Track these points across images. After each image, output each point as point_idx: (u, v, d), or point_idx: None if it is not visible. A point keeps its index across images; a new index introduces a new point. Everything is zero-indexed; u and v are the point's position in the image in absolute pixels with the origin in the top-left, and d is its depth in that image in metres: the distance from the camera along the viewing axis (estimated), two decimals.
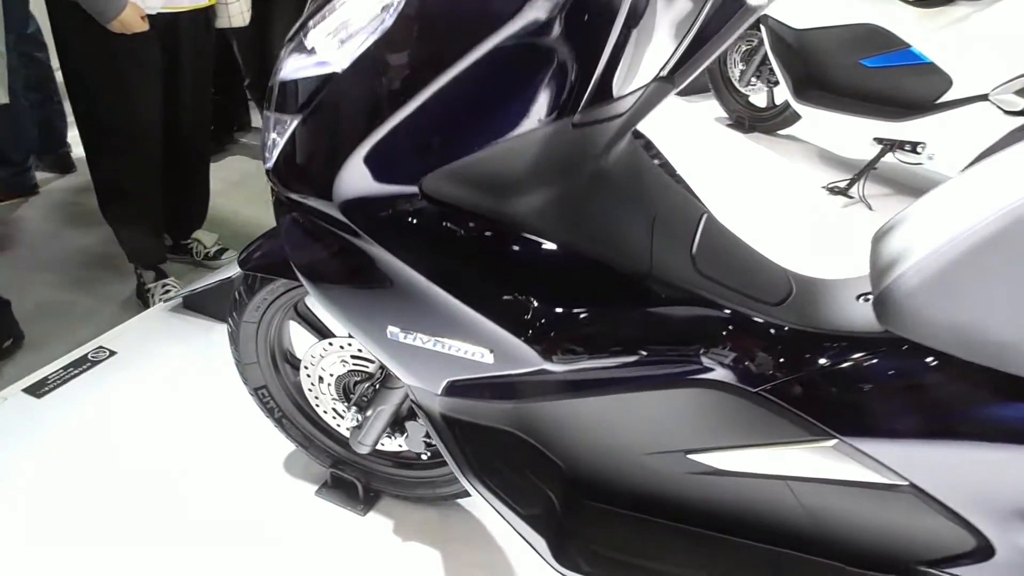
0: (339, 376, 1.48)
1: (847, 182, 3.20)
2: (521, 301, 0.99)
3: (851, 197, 3.17)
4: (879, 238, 1.07)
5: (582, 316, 1.00)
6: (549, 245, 0.99)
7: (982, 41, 2.64)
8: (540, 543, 1.13)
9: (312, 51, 0.95)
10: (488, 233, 0.98)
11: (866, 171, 3.16)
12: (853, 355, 1.01)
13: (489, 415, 1.16)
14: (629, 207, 1.06)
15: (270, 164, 1.07)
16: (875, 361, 1.00)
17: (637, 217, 1.06)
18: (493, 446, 1.17)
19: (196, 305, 2.38)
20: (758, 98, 3.96)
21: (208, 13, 2.40)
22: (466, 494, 1.57)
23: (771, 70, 3.60)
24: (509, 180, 0.95)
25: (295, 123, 0.99)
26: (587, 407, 1.13)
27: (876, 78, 3.04)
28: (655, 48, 0.89)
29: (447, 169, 0.93)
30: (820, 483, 1.06)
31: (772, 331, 1.04)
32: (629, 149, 1.08)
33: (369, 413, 1.40)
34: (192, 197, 2.73)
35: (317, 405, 1.56)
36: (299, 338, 1.60)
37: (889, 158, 3.12)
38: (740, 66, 3.88)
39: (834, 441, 1.02)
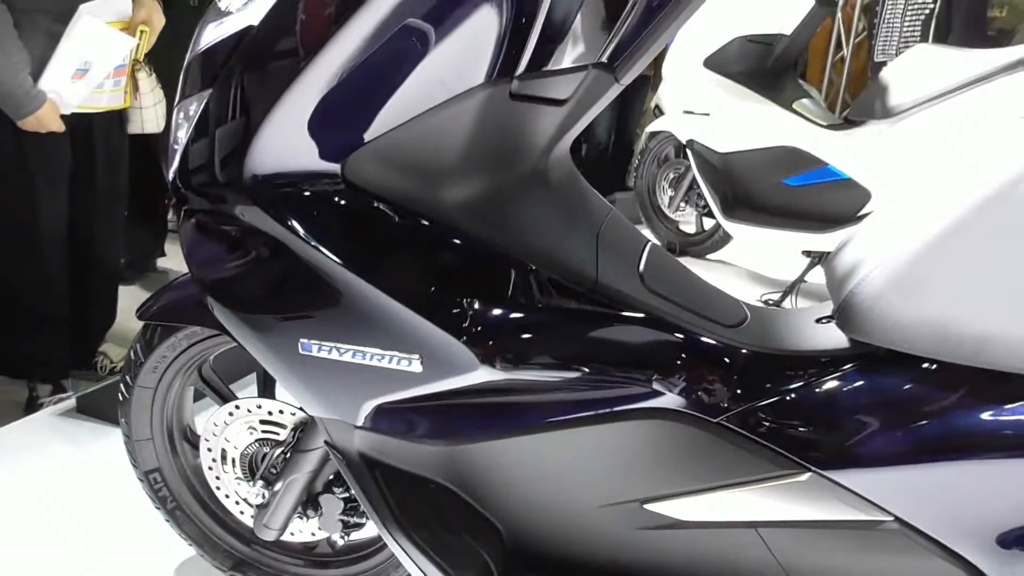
0: (245, 448, 1.29)
1: (780, 294, 3.25)
2: (453, 299, 0.87)
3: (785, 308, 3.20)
4: (831, 260, 1.02)
5: (522, 320, 0.89)
6: (484, 243, 0.90)
7: (892, 155, 2.79)
8: None
9: (226, 12, 0.88)
10: (417, 226, 0.88)
11: (797, 283, 3.22)
12: (820, 377, 0.92)
13: (417, 460, 1.00)
14: (571, 216, 0.98)
15: (172, 171, 0.97)
16: (845, 381, 0.91)
17: (580, 228, 0.98)
18: (422, 498, 1.00)
19: (92, 409, 2.14)
20: (688, 224, 4.08)
21: (121, 116, 2.32)
22: None
23: (699, 195, 3.74)
24: (442, 164, 0.86)
25: (204, 100, 0.90)
26: (528, 449, 0.99)
27: (799, 195, 3.17)
28: (595, 27, 0.86)
29: (372, 148, 0.85)
30: (794, 527, 0.93)
31: (730, 354, 0.94)
32: (568, 166, 1.02)
33: (278, 487, 1.21)
34: (98, 310, 2.51)
35: (218, 488, 1.35)
36: (203, 417, 1.42)
37: (818, 270, 3.19)
38: (669, 192, 4.02)
39: (807, 475, 0.91)
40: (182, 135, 0.95)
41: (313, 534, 1.31)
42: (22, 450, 1.95)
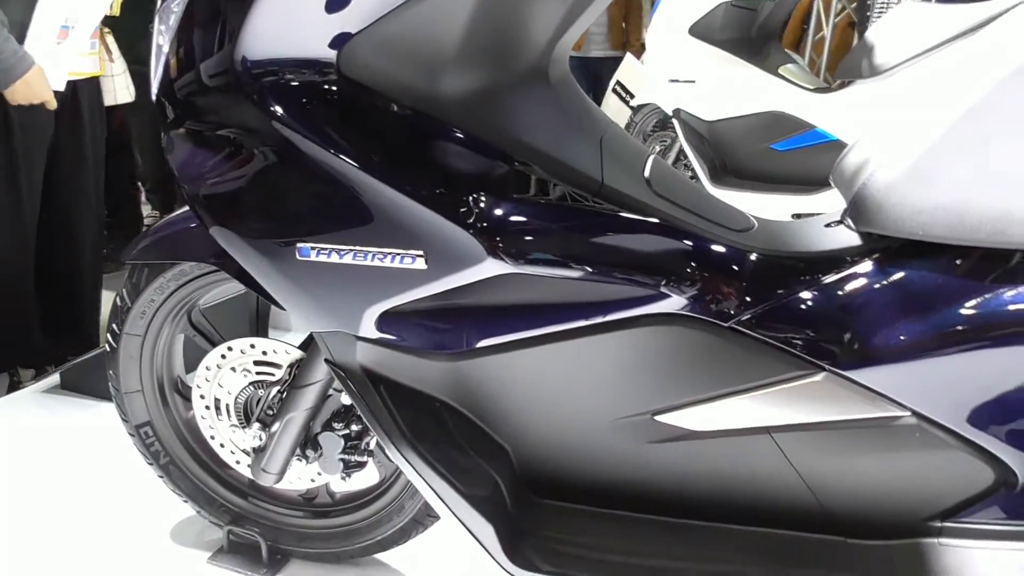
0: (239, 393, 1.25)
1: None
2: (458, 191, 0.84)
3: None
4: (839, 164, 1.00)
5: (529, 216, 0.86)
6: (486, 140, 0.86)
7: (880, 110, 2.79)
8: (488, 534, 0.91)
9: None
10: (418, 119, 0.85)
11: None
12: (832, 275, 0.90)
13: (423, 376, 0.96)
14: (572, 120, 0.96)
15: (156, 85, 0.93)
16: (857, 278, 0.89)
17: (582, 133, 0.96)
18: (428, 416, 0.97)
19: (75, 384, 2.08)
20: None
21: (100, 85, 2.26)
22: (392, 544, 1.32)
23: (687, 165, 3.72)
24: (441, 54, 0.83)
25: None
26: (535, 363, 0.96)
27: (787, 159, 3.16)
28: None
29: (368, 37, 0.81)
30: (809, 429, 0.90)
31: (740, 258, 0.92)
32: (566, 72, 0.99)
33: (275, 427, 1.17)
34: (87, 287, 2.43)
35: (212, 439, 1.31)
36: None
37: None
38: None
39: (821, 375, 0.89)
40: (164, 43, 0.91)
41: (313, 480, 1.28)
42: (4, 427, 1.90)
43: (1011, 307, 0.81)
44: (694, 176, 3.70)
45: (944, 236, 0.82)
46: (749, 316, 0.89)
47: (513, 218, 0.86)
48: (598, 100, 5.03)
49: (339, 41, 0.83)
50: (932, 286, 0.85)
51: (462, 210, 0.84)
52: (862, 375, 0.86)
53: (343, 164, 0.84)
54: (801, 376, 0.89)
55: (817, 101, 3.08)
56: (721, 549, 0.96)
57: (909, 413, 0.86)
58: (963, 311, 0.82)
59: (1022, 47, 0.84)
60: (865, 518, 0.92)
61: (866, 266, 0.88)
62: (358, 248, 0.86)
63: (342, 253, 0.87)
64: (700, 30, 3.32)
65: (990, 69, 0.83)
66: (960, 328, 0.82)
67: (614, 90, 4.46)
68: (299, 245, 0.88)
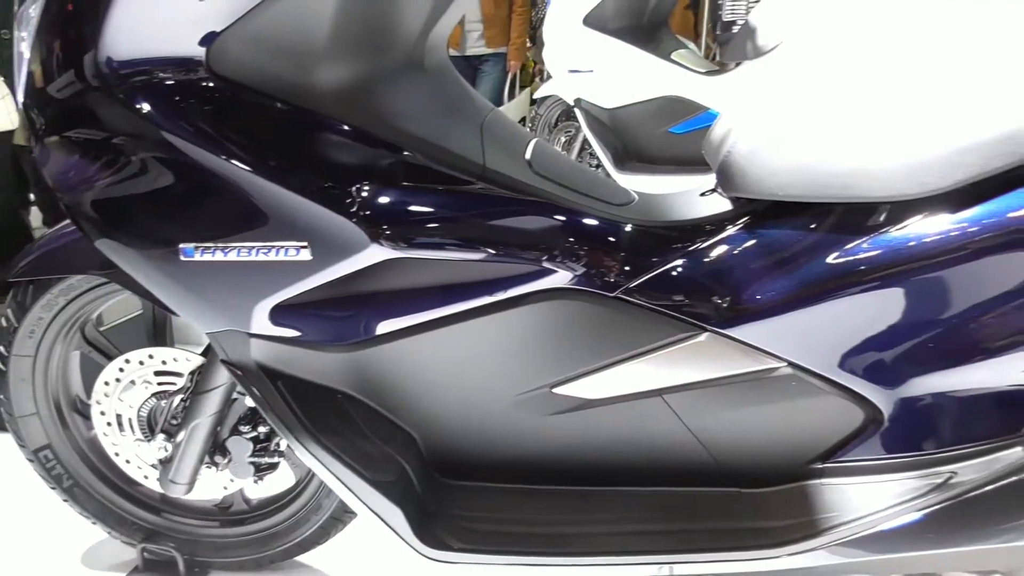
0: (142, 405, 1.22)
1: None
2: (339, 181, 0.86)
3: None
4: (707, 137, 1.06)
5: (410, 201, 0.88)
6: (364, 130, 0.88)
7: (758, 86, 2.92)
8: (398, 518, 0.93)
9: None
10: (294, 113, 0.86)
11: None
12: (707, 240, 0.95)
13: (321, 369, 0.97)
14: (452, 107, 0.98)
15: (21, 95, 0.90)
16: (729, 241, 0.94)
17: (462, 119, 0.98)
18: (331, 408, 0.98)
19: None
20: None
21: None
22: (313, 544, 1.32)
23: (592, 153, 3.81)
24: (312, 47, 0.84)
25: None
26: (432, 347, 0.98)
27: (685, 141, 3.28)
28: None
29: (236, 32, 0.81)
30: (696, 388, 0.96)
31: (620, 230, 0.96)
32: (444, 60, 1.01)
33: (180, 436, 1.15)
34: None
35: (117, 455, 1.28)
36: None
37: None
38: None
39: (704, 336, 0.94)
40: (25, 50, 0.88)
41: (226, 487, 1.26)
42: None
43: (866, 256, 0.87)
44: (599, 164, 3.79)
45: (802, 195, 0.89)
46: (633, 285, 0.93)
47: (395, 204, 0.87)
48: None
49: (207, 38, 0.83)
50: (796, 243, 0.91)
51: (343, 199, 0.85)
52: (740, 332, 0.92)
53: (219, 162, 0.83)
54: (685, 338, 0.94)
55: (708, 83, 3.21)
56: (624, 511, 1.00)
57: (785, 364, 0.92)
58: (825, 264, 0.88)
59: (871, 21, 0.91)
60: (754, 467, 0.98)
61: (736, 230, 0.94)
62: (241, 244, 0.86)
63: (226, 251, 0.86)
64: (594, 20, 3.40)
65: (835, 40, 0.90)
66: (823, 280, 0.88)
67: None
68: (182, 246, 0.87)
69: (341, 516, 1.27)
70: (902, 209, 0.85)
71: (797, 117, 0.89)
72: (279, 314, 0.92)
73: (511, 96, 4.90)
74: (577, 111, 3.61)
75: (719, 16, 3.62)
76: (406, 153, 0.91)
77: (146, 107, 0.83)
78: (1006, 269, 0.82)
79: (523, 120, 4.73)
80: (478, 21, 4.52)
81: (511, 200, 0.93)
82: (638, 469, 1.01)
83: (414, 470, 1.00)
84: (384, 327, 0.96)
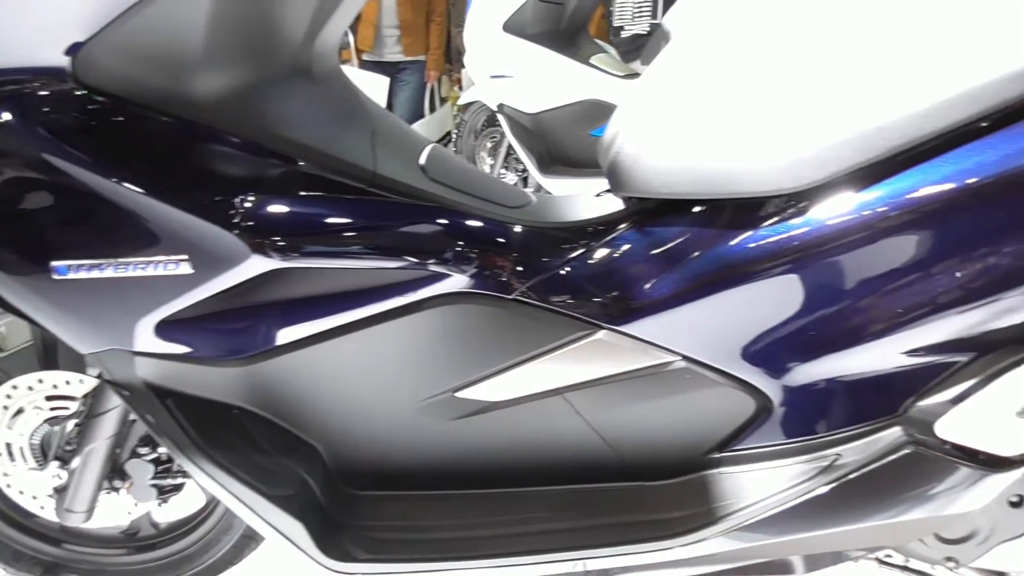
0: (33, 433, 1.17)
1: None
2: (218, 192, 0.84)
3: None
4: (600, 142, 1.07)
5: (294, 210, 0.87)
6: (247, 140, 0.86)
7: (650, 90, 2.99)
8: (299, 532, 0.91)
9: None
10: (170, 123, 0.83)
11: None
12: (600, 240, 0.96)
13: (213, 384, 0.95)
14: (341, 114, 0.97)
15: None
16: (621, 239, 0.96)
17: (352, 126, 0.97)
18: (225, 424, 0.95)
19: None
20: None
21: None
22: (226, 565, 1.28)
23: (517, 159, 3.83)
24: (187, 56, 0.82)
25: None
26: (328, 358, 0.96)
27: None
28: None
29: (104, 41, 0.78)
30: (596, 385, 0.97)
31: (515, 232, 0.97)
32: (334, 66, 1.00)
33: (75, 462, 1.11)
34: None
35: (9, 487, 1.22)
36: None
37: None
38: (489, 161, 4.09)
39: (600, 333, 0.95)
40: None
41: (130, 512, 1.22)
42: None
43: (750, 250, 0.89)
44: (524, 170, 3.81)
45: (687, 192, 0.91)
46: (529, 286, 0.94)
47: (278, 213, 0.86)
48: (392, 102, 4.95)
49: (73, 48, 0.80)
50: (684, 239, 0.93)
51: (223, 210, 0.83)
52: (634, 328, 0.94)
53: (89, 175, 0.80)
54: (583, 336, 0.95)
55: (627, 87, 3.27)
56: (532, 511, 1.01)
57: (679, 357, 0.94)
58: (711, 259, 0.91)
59: (750, 20, 0.93)
60: (655, 461, 1.00)
61: (627, 229, 0.96)
62: (117, 260, 0.83)
63: (102, 267, 0.83)
64: (513, 26, 3.43)
65: (714, 40, 0.92)
66: (710, 275, 0.90)
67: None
68: (54, 264, 0.83)
69: (254, 535, 1.24)
70: (782, 203, 0.88)
71: (679, 116, 0.91)
72: (165, 330, 0.89)
73: (432, 108, 4.88)
74: (500, 116, 3.63)
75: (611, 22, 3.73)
76: (292, 162, 0.89)
77: (9, 120, 0.80)
78: (880, 257, 0.85)
79: (447, 135, 4.70)
80: (395, 27, 4.48)
81: (403, 206, 0.93)
82: (544, 469, 1.02)
83: (317, 482, 0.99)
84: (279, 339, 0.94)
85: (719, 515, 0.94)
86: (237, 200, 0.84)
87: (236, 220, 0.84)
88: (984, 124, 0.76)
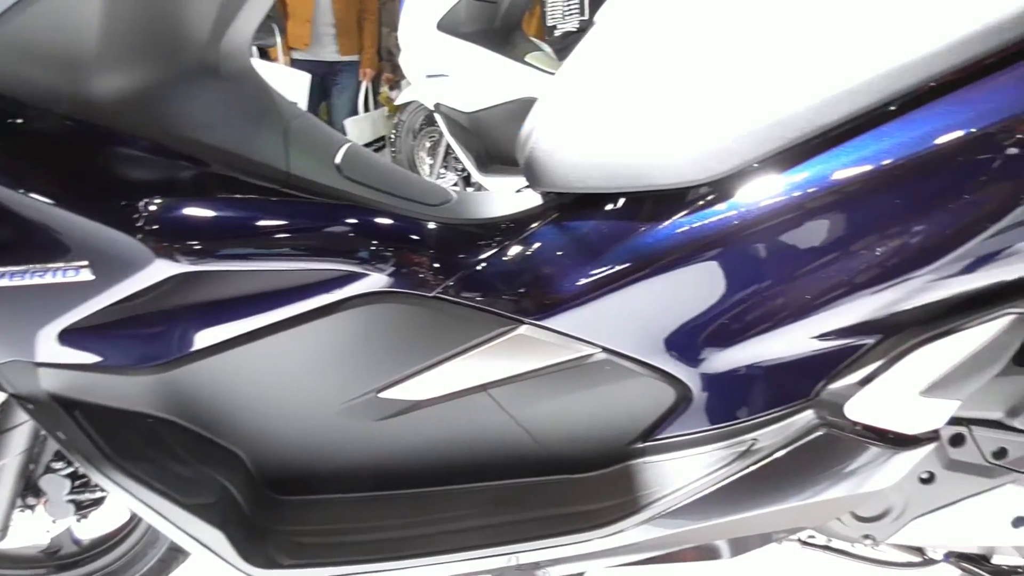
0: None
1: None
2: (120, 196, 0.81)
3: None
4: (518, 138, 1.08)
5: (201, 213, 0.85)
6: (151, 141, 0.84)
7: (565, 84, 3.03)
8: (219, 541, 0.89)
9: None
10: (66, 125, 0.80)
11: None
12: (519, 235, 0.97)
13: (125, 394, 0.92)
14: (252, 113, 0.95)
15: None
16: (539, 234, 0.96)
17: (264, 125, 0.95)
18: (139, 434, 0.93)
19: None
20: (454, 188, 4.16)
21: None
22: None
23: (457, 158, 3.82)
24: (82, 54, 0.79)
25: None
26: (245, 362, 0.94)
27: None
28: None
29: None
30: (519, 380, 0.97)
31: (434, 230, 0.97)
32: (245, 64, 0.98)
33: None
34: None
35: None
36: None
37: None
38: (428, 160, 4.07)
39: (522, 328, 0.95)
40: None
41: (48, 530, 1.18)
42: None
43: (664, 241, 0.90)
44: (464, 169, 3.81)
45: (601, 187, 0.92)
46: (450, 283, 0.94)
47: (184, 216, 0.84)
48: (330, 103, 4.87)
49: None
50: (600, 233, 0.94)
51: (124, 214, 0.81)
52: (555, 322, 0.94)
53: None
54: (505, 332, 0.95)
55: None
56: (461, 509, 1.00)
57: (600, 349, 0.95)
58: (627, 251, 0.91)
59: (659, 15, 0.94)
60: (581, 453, 1.01)
61: (545, 223, 0.96)
62: (13, 268, 0.80)
63: None
64: (447, 25, 3.42)
65: (622, 34, 0.93)
66: (627, 267, 0.91)
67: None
68: None
69: (181, 547, 1.21)
70: (694, 195, 0.89)
71: (592, 111, 0.92)
72: (69, 339, 0.86)
73: (367, 107, 4.83)
74: (437, 116, 3.62)
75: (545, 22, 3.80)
76: (200, 163, 0.87)
77: None
78: (789, 244, 0.86)
79: (383, 138, 4.66)
80: (331, 25, 4.43)
81: (317, 206, 0.91)
82: (471, 466, 1.02)
83: (239, 489, 0.97)
84: (194, 344, 0.92)
85: (644, 504, 0.95)
86: (141, 204, 0.82)
87: (140, 224, 0.81)
88: (892, 108, 0.78)
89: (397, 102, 4.07)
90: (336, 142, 1.03)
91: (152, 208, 0.82)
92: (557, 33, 3.71)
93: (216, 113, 0.91)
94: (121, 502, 0.90)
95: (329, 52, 4.51)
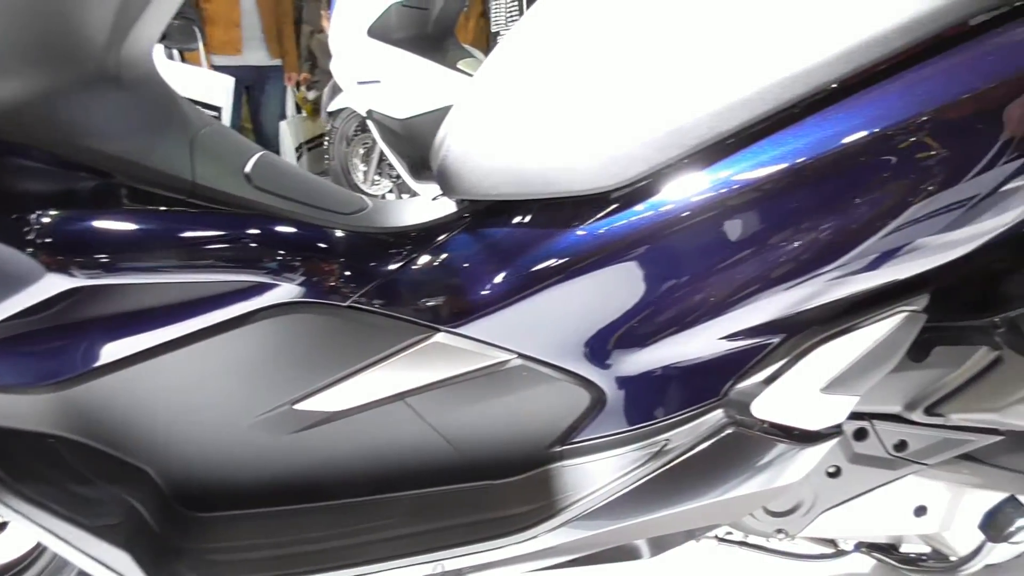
0: None
1: None
2: (8, 209, 0.78)
3: None
4: (433, 144, 1.08)
5: (99, 226, 0.82)
6: (43, 152, 0.81)
7: (478, 91, 3.05)
8: (125, 562, 0.86)
9: None
10: None
11: None
12: (433, 243, 0.97)
13: (19, 414, 0.88)
14: (155, 122, 0.92)
15: None
16: (453, 242, 0.96)
17: (168, 134, 0.93)
18: (35, 455, 0.89)
19: None
20: (389, 196, 4.14)
21: None
22: None
23: (391, 165, 3.80)
24: None
25: None
26: (157, 375, 0.92)
27: None
28: None
29: None
30: (436, 388, 0.97)
31: (347, 239, 0.96)
32: (149, 71, 0.96)
33: None
34: None
35: None
36: None
37: None
38: (362, 167, 4.04)
39: (437, 335, 0.95)
40: None
41: None
42: None
43: (575, 247, 0.91)
44: (399, 176, 3.78)
45: (513, 193, 0.92)
46: (363, 293, 0.93)
47: (82, 229, 0.81)
48: (254, 108, 4.78)
49: None
50: (512, 240, 0.94)
51: (15, 228, 0.78)
52: (470, 329, 0.94)
53: None
54: (420, 340, 0.95)
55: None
56: (378, 519, 0.99)
57: (515, 356, 0.96)
58: (539, 258, 0.92)
59: (573, 23, 0.95)
60: (499, 459, 1.01)
61: (459, 231, 0.96)
62: None
63: None
64: (377, 31, 3.40)
65: (534, 40, 0.94)
66: (539, 273, 0.92)
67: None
68: None
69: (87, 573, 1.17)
70: (604, 200, 0.90)
71: (502, 117, 0.92)
72: None
73: (298, 111, 4.78)
74: (370, 123, 3.59)
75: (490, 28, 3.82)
76: (99, 174, 0.84)
77: None
78: (696, 248, 0.88)
79: (307, 142, 4.61)
80: (259, 29, 4.37)
81: (224, 216, 0.89)
82: (390, 475, 1.01)
83: (149, 508, 0.94)
84: (98, 359, 0.89)
85: (562, 506, 0.96)
86: (32, 217, 0.79)
87: (30, 238, 0.78)
88: (796, 110, 0.80)
89: (329, 108, 4.02)
90: (247, 151, 1.01)
91: (45, 221, 0.79)
92: (501, 39, 3.71)
93: (117, 122, 0.89)
94: (22, 528, 0.87)
95: (257, 57, 4.44)
